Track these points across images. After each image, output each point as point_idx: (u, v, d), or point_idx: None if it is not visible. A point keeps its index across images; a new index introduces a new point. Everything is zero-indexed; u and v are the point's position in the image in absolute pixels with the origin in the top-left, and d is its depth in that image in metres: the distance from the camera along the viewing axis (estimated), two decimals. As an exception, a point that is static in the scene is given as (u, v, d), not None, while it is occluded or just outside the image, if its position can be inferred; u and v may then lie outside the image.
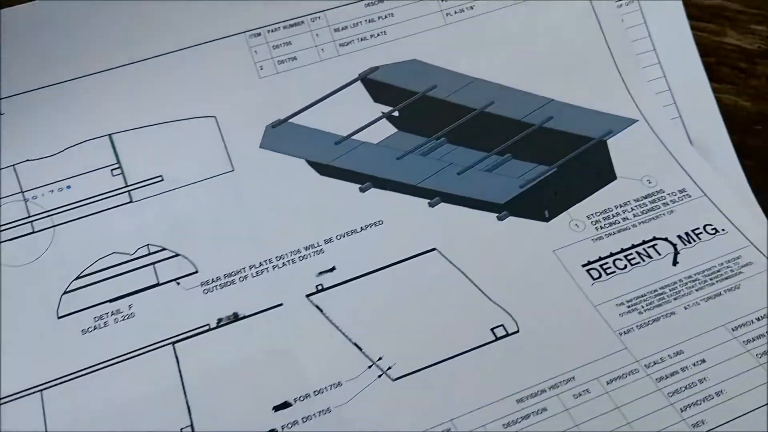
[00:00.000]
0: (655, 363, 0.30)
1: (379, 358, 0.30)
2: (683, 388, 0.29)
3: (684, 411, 0.28)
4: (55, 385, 0.30)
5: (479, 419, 0.29)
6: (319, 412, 0.29)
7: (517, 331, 0.31)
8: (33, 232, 0.33)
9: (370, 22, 0.37)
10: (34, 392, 0.30)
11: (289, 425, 0.29)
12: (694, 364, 0.30)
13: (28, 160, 0.33)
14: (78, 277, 0.32)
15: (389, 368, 0.30)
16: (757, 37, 0.39)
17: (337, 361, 0.31)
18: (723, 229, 0.34)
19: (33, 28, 0.34)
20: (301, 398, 0.30)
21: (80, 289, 0.32)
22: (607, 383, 0.30)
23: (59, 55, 0.34)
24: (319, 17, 0.36)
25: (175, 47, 0.35)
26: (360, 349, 0.31)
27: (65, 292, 0.32)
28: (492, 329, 0.31)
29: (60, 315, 0.31)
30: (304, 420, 0.29)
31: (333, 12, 0.37)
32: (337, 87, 0.36)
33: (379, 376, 0.30)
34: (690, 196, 0.35)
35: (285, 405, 0.30)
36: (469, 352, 0.31)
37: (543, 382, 0.30)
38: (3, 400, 0.30)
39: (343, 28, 0.36)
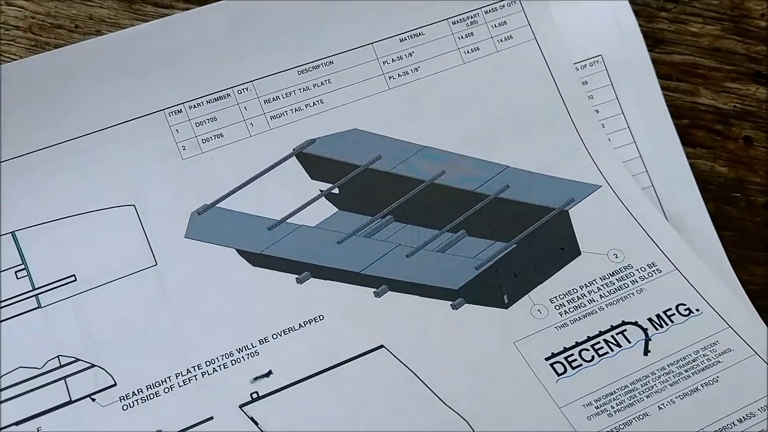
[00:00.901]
0: (628, 479, 0.27)
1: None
2: None
3: None
4: None
5: None
6: None
7: (475, 442, 0.28)
8: None
9: (304, 90, 0.33)
10: None
11: None
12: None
13: None
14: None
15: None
16: (732, 96, 0.36)
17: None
18: (698, 310, 0.31)
19: None
20: None
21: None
22: (577, 502, 0.27)
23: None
24: (247, 88, 0.33)
25: (86, 130, 0.31)
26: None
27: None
28: (447, 441, 0.28)
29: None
30: None
31: (262, 82, 0.33)
32: (269, 164, 0.33)
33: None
34: (660, 272, 0.32)
35: None
36: (422, 469, 0.27)
37: (505, 502, 0.27)
38: None
39: (274, 99, 0.33)
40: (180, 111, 0.32)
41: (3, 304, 0.30)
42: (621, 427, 0.28)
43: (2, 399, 0.28)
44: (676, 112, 0.36)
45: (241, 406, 0.29)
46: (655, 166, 0.35)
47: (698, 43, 0.37)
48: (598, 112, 0.35)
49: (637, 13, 0.36)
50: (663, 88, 0.35)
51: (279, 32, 0.33)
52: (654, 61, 0.36)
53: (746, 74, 0.37)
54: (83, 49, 0.32)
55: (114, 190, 0.31)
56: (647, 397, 0.29)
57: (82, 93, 0.32)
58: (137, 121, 0.32)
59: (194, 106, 0.32)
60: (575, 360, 0.30)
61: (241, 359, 0.30)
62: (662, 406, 0.29)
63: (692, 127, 0.36)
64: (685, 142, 0.35)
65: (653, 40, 0.37)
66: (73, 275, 0.30)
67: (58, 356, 0.29)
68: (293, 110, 0.33)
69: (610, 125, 0.35)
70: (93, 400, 0.29)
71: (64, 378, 0.29)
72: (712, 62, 0.37)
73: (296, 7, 0.33)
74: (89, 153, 0.31)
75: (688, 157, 0.35)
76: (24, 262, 0.30)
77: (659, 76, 0.36)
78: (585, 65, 0.36)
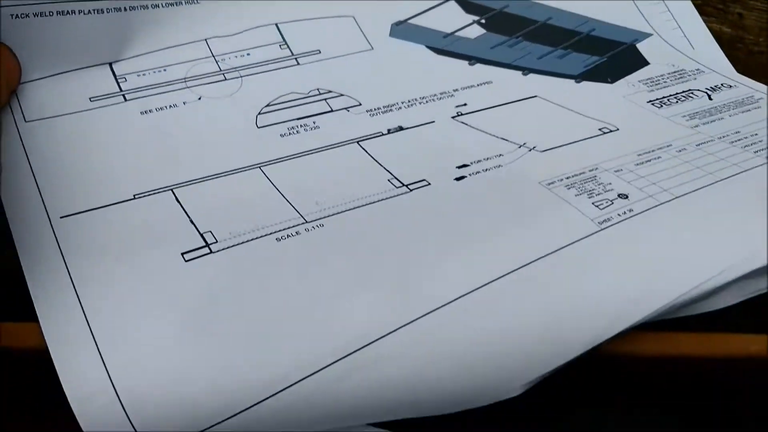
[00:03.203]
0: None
1: (524, 143, 0.39)
2: None
3: None
4: (274, 163, 0.36)
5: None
6: (494, 166, 0.37)
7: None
8: (225, 80, 0.40)
9: (453, -33, 0.49)
10: (253, 168, 0.36)
11: (474, 173, 0.36)
12: None
13: (216, 37, 0.42)
14: (267, 105, 0.39)
15: (534, 146, 0.39)
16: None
17: (493, 144, 0.39)
18: (736, 86, 0.46)
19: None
20: (476, 162, 0.37)
21: (271, 111, 0.39)
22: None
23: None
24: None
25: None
26: (507, 140, 0.39)
27: (259, 113, 0.39)
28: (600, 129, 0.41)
29: (259, 125, 0.38)
30: (485, 170, 0.36)
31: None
32: (437, 3, 0.47)
33: (530, 150, 0.38)
34: (704, 72, 0.47)
35: (465, 165, 0.37)
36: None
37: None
38: (228, 173, 0.35)
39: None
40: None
41: (274, 60, 0.42)
42: (715, 120, 0.42)
43: (285, 106, 0.40)
44: None
45: (452, 117, 0.41)
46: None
47: None
48: None
49: None
50: None
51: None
52: None
53: None
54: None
55: (337, 6, 0.45)
56: (724, 111, 0.43)
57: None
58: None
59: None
60: (667, 101, 0.44)
61: (444, 97, 0.42)
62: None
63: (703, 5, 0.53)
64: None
65: None
66: (318, 50, 0.43)
67: (317, 88, 0.41)
68: (448, -24, 0.49)
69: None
70: (347, 111, 0.40)
71: (324, 99, 0.41)
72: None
73: None
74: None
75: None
76: (284, 40, 0.43)
77: None
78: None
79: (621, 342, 0.30)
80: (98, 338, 0.27)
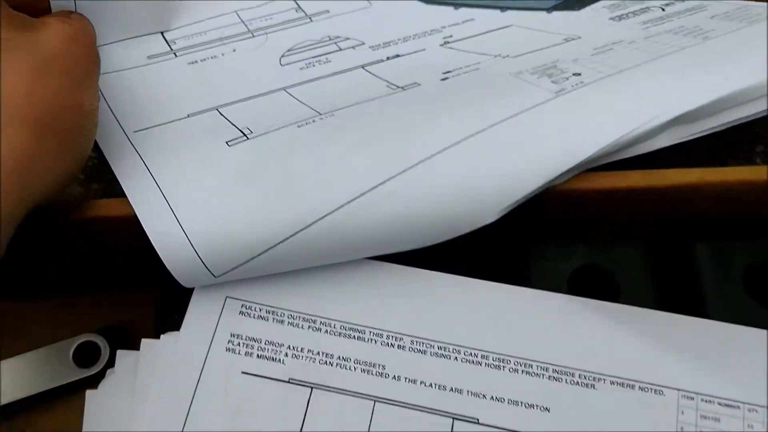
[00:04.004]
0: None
1: (499, 54, 0.47)
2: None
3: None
4: (296, 86, 0.45)
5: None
6: (473, 70, 0.45)
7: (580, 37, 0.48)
8: (253, 37, 0.49)
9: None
10: (279, 91, 0.45)
11: (456, 75, 0.44)
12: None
13: (246, 9, 0.51)
14: (288, 50, 0.48)
15: (507, 55, 0.47)
16: None
17: (473, 58, 0.47)
18: (688, -1, 0.53)
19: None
20: (457, 69, 0.45)
21: (292, 54, 0.48)
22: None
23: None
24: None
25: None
26: (485, 54, 0.47)
27: (282, 56, 0.48)
28: (564, 38, 0.48)
29: (282, 64, 0.47)
30: (465, 73, 0.45)
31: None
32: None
33: (503, 58, 0.46)
34: (662, -6, 0.55)
35: (448, 72, 0.45)
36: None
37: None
38: (259, 95, 0.44)
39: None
40: None
41: (291, 20, 0.51)
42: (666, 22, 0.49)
43: (303, 50, 0.48)
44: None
45: (440, 45, 0.49)
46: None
47: None
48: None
49: None
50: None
51: None
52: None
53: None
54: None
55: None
56: (673, 18, 0.50)
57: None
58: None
59: None
60: (626, 16, 0.51)
61: (433, 33, 0.50)
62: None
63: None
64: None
65: None
66: (327, 10, 0.52)
67: (327, 35, 0.50)
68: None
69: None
70: (353, 48, 0.49)
71: (334, 42, 0.49)
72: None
73: None
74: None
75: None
76: (298, 5, 0.52)
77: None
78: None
79: (578, 180, 0.37)
80: (168, 198, 0.36)
